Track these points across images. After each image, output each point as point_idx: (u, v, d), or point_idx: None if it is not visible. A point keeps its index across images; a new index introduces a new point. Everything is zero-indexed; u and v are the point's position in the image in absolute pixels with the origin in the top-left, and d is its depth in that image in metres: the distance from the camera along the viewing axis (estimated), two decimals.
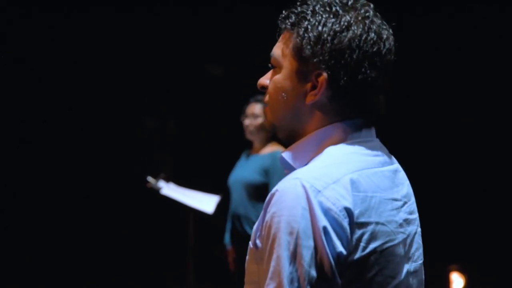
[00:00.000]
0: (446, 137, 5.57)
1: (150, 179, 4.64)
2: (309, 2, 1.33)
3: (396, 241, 1.29)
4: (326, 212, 1.20)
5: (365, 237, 1.23)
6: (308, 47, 1.29)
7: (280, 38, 1.37)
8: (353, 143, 1.31)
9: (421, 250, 1.39)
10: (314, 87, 1.31)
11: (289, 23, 1.34)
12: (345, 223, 1.21)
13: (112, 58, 6.04)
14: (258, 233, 1.26)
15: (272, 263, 1.20)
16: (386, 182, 1.32)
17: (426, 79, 5.53)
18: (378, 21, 1.32)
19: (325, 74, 1.29)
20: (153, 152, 6.40)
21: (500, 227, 5.39)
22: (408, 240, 1.33)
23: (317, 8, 1.31)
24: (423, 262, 1.40)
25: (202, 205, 4.52)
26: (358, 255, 1.22)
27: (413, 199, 1.40)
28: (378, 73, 1.30)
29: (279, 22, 1.37)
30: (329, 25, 1.29)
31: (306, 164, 1.30)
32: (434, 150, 5.54)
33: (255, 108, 4.24)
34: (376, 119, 1.37)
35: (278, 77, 1.35)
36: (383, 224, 1.27)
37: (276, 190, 1.24)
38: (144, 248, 6.16)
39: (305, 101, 1.32)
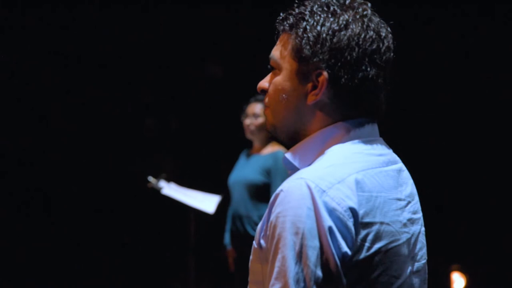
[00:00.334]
0: (449, 136, 5.56)
1: (151, 179, 4.63)
2: (306, 3, 1.33)
3: (400, 241, 1.29)
4: (331, 212, 1.19)
5: (370, 237, 1.23)
6: (308, 47, 1.29)
7: (279, 40, 1.36)
8: (357, 143, 1.31)
9: (425, 250, 1.39)
10: (315, 87, 1.30)
11: (287, 25, 1.33)
12: (350, 223, 1.21)
13: (113, 58, 6.04)
14: (263, 233, 1.26)
15: (278, 264, 1.19)
16: (390, 182, 1.31)
17: (426, 79, 5.52)
18: (376, 19, 1.33)
19: (325, 74, 1.28)
20: (153, 152, 6.39)
21: (501, 227, 5.39)
22: (412, 240, 1.33)
23: (315, 8, 1.31)
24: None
25: (203, 205, 4.51)
26: (362, 255, 1.22)
27: (417, 198, 1.40)
28: (378, 71, 1.30)
29: (277, 24, 1.36)
30: (328, 24, 1.29)
31: (310, 165, 1.30)
32: (436, 149, 5.53)
33: (256, 107, 4.23)
34: (378, 118, 1.37)
35: (278, 78, 1.35)
36: (387, 224, 1.27)
37: (281, 190, 1.23)
38: (145, 248, 6.15)
39: (307, 101, 1.31)
